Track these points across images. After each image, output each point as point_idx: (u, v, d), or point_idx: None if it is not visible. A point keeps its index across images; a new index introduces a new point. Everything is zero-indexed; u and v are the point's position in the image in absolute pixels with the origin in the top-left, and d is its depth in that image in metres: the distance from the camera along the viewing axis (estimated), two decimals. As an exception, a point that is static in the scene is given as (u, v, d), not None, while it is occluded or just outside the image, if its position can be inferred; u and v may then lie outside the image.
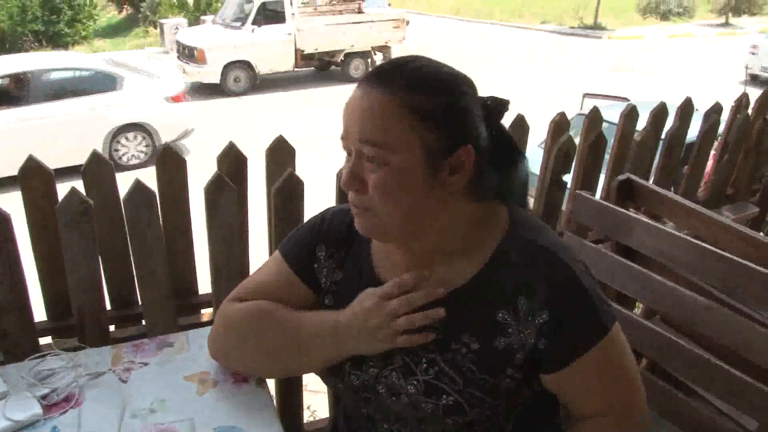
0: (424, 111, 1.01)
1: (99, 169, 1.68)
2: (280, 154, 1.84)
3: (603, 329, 1.07)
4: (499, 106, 1.10)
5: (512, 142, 1.15)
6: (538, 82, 14.36)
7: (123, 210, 1.66)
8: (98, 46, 19.17)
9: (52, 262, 1.69)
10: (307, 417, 3.06)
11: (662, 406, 1.75)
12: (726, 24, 23.30)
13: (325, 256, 1.23)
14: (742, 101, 2.85)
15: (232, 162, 1.82)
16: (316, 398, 3.31)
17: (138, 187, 1.62)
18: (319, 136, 9.77)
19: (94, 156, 1.68)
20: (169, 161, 1.75)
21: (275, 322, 1.22)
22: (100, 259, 1.68)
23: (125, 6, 23.72)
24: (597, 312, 1.06)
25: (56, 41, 18.54)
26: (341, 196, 1.77)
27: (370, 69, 1.08)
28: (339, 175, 1.77)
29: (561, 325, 1.05)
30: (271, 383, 1.52)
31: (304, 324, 1.19)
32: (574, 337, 1.06)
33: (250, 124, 11.23)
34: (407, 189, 1.02)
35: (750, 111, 2.87)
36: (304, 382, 2.10)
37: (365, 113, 1.01)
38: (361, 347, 1.13)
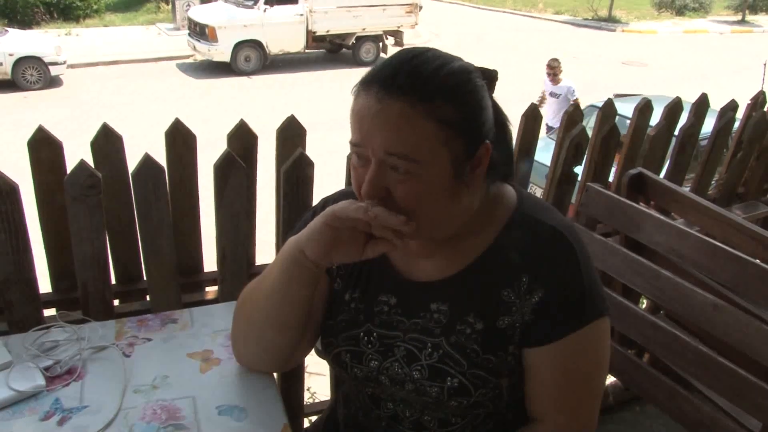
0: (450, 120, 0.98)
1: (108, 143, 1.67)
2: (291, 134, 1.82)
3: (584, 320, 1.07)
4: (490, 79, 1.08)
5: (502, 112, 1.12)
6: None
7: (131, 184, 1.65)
8: (109, 20, 19.09)
9: (59, 234, 1.68)
10: (306, 399, 3.07)
11: (666, 402, 1.74)
12: (742, 21, 23.11)
13: None
14: (758, 99, 2.82)
15: (243, 140, 1.80)
16: (316, 380, 3.32)
17: (147, 161, 1.60)
18: (329, 119, 9.74)
19: (103, 129, 1.66)
20: (179, 137, 1.74)
21: (252, 291, 1.22)
22: (106, 233, 1.68)
23: (138, -20, 23.60)
24: (584, 301, 1.07)
25: (67, 14, 18.46)
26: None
27: (380, 70, 1.00)
28: (350, 158, 1.76)
29: (548, 305, 1.06)
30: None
31: (271, 268, 1.17)
32: (555, 319, 1.07)
33: (260, 104, 11.21)
34: (436, 196, 1.01)
35: (766, 110, 2.84)
36: (304, 364, 2.10)
37: (389, 125, 0.96)
38: (319, 248, 1.07)
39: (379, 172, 0.99)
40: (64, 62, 12.56)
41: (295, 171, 1.69)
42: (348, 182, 1.75)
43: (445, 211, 1.04)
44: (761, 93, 2.84)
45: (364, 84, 1.00)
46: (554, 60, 8.33)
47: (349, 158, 1.75)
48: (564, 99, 8.06)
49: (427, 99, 0.96)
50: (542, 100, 8.45)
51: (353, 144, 1.01)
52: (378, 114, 0.96)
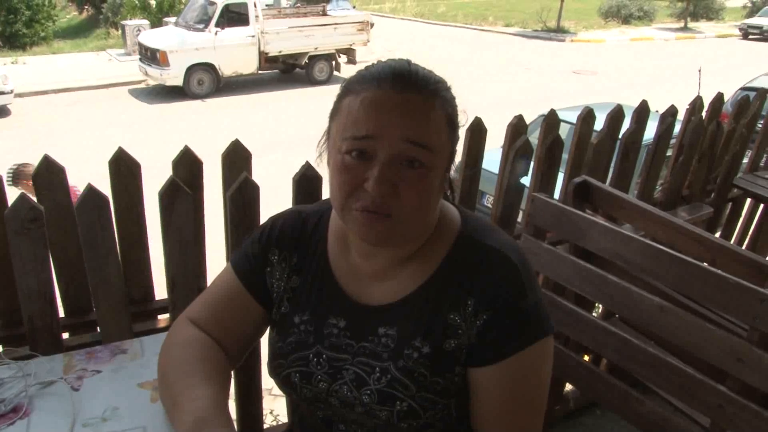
0: (451, 117, 1.04)
1: (50, 175, 1.64)
2: (236, 158, 1.82)
3: (529, 340, 1.07)
4: None
5: None
6: (500, 83, 14.48)
7: (75, 216, 1.62)
8: (58, 47, 18.80)
9: (2, 269, 1.65)
10: (270, 422, 3.04)
11: (620, 405, 1.77)
12: (685, 28, 23.81)
13: (278, 260, 1.21)
14: (696, 104, 2.91)
15: (188, 166, 1.79)
16: (280, 403, 3.29)
17: (91, 192, 1.58)
18: (284, 139, 9.72)
19: (45, 161, 1.64)
20: (123, 166, 1.72)
21: (179, 381, 1.16)
22: (53, 265, 1.64)
23: (86, 7, 23.35)
24: (529, 322, 1.07)
25: (13, 42, 18.16)
26: (299, 201, 1.75)
27: (383, 71, 1.02)
28: (295, 179, 1.76)
29: (493, 326, 1.06)
30: (230, 390, 1.51)
31: (183, 408, 1.09)
32: (500, 340, 1.07)
33: (214, 127, 11.12)
34: (436, 194, 1.05)
35: (704, 114, 2.93)
36: (268, 387, 2.08)
37: (412, 114, 0.99)
38: None
39: (391, 165, 0.99)
40: (11, 91, 12.32)
41: (241, 195, 1.69)
42: (299, 201, 1.75)
43: (429, 214, 1.07)
44: (698, 98, 2.93)
45: (371, 82, 1.01)
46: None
47: (296, 179, 1.76)
48: None
49: (438, 93, 1.02)
50: None
51: (358, 138, 0.99)
52: (401, 104, 0.99)
